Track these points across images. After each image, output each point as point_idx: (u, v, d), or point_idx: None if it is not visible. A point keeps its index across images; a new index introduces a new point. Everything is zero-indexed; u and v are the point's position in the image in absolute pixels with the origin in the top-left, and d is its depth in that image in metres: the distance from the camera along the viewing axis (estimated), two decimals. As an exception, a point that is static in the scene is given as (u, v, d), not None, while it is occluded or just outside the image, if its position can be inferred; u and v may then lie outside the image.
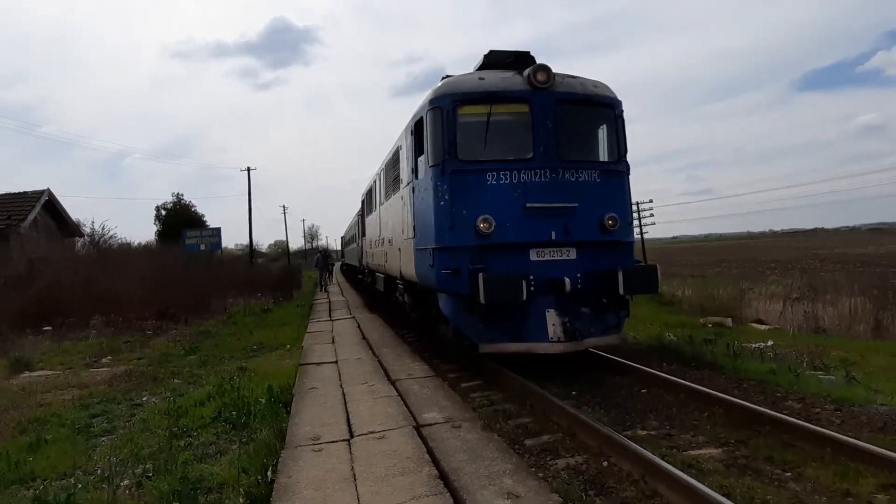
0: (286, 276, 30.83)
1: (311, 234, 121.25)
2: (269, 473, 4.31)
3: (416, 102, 8.56)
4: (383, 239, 12.32)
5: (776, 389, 6.62)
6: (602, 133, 7.89)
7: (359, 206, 20.94)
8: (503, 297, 6.37)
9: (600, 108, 7.69)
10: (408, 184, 8.61)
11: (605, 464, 4.53)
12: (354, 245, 24.67)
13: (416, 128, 8.02)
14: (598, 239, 7.26)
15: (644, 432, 5.36)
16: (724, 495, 3.58)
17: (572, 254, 7.16)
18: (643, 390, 6.69)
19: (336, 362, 8.72)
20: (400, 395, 6.44)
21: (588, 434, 5.05)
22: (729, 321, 12.82)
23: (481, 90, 7.16)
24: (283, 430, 5.33)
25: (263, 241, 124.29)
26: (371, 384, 7.07)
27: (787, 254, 53.76)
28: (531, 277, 6.65)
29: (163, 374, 9.51)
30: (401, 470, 4.19)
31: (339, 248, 62.64)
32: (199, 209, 55.09)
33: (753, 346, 9.68)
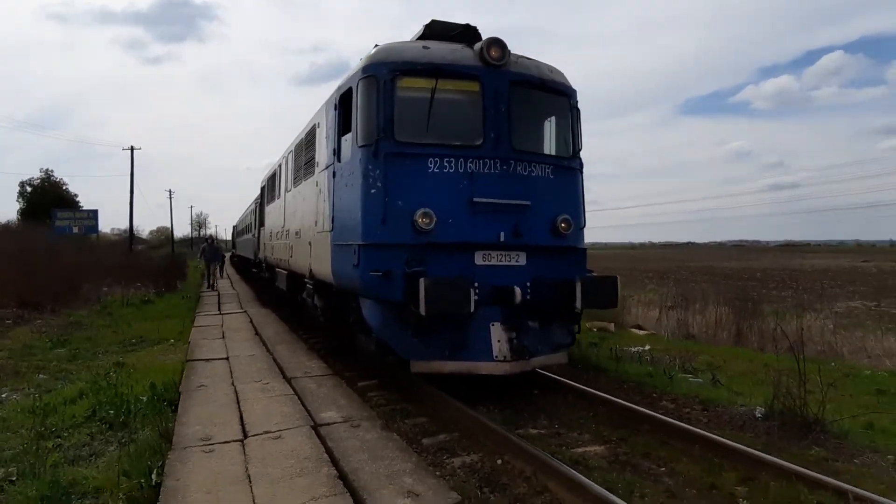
0: (170, 266, 28.92)
1: (199, 223, 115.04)
2: (153, 476, 4.06)
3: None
4: (288, 231, 11.01)
5: (652, 390, 7.18)
6: (554, 124, 7.16)
7: (256, 193, 20.04)
8: (448, 307, 5.42)
9: (555, 95, 6.91)
10: (326, 167, 7.47)
11: (499, 462, 4.70)
12: (249, 236, 23.36)
13: (343, 101, 6.93)
14: (551, 244, 6.49)
15: (535, 431, 5.61)
16: (607, 489, 3.84)
17: (522, 259, 6.30)
18: (535, 391, 6.99)
19: (227, 359, 8.34)
20: (296, 393, 6.29)
21: (483, 433, 5.20)
22: (612, 326, 13.66)
23: (426, 60, 6.15)
24: (170, 430, 5.04)
25: (145, 227, 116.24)
26: (266, 382, 6.84)
27: (664, 265, 58.34)
28: (475, 285, 5.76)
29: (25, 368, 8.63)
30: (299, 471, 4.10)
31: (230, 237, 59.87)
32: (73, 188, 50.78)
33: (633, 350, 10.39)
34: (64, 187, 48.62)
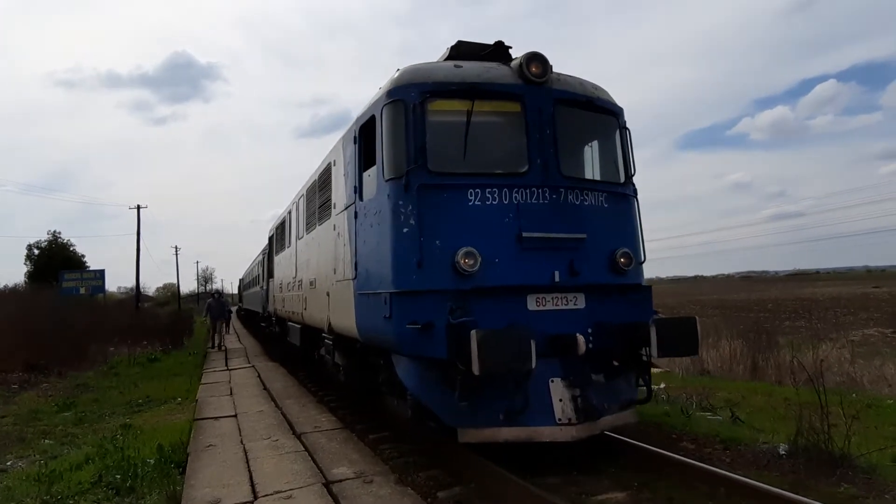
0: (176, 322, 28.88)
1: (206, 277, 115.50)
2: (162, 544, 3.92)
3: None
4: (301, 281, 10.10)
5: (671, 431, 6.98)
6: (603, 147, 6.46)
7: (263, 244, 19.96)
8: (506, 364, 4.52)
9: (604, 114, 6.25)
10: (346, 208, 6.65)
11: (518, 513, 4.54)
12: (257, 288, 22.49)
13: (364, 132, 6.26)
14: (611, 282, 5.73)
15: (554, 479, 5.44)
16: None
17: (580, 301, 5.51)
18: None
19: (235, 416, 8.21)
20: (307, 449, 6.15)
21: (499, 483, 5.04)
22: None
23: (459, 80, 5.51)
24: (178, 494, 4.92)
25: (151, 285, 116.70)
26: (275, 439, 6.70)
27: (674, 299, 57.86)
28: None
29: (31, 434, 8.51)
30: (311, 532, 3.96)
31: (236, 291, 59.91)
32: (80, 249, 51.15)
33: (648, 388, 10.18)
34: (71, 248, 49.06)
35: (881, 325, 26.69)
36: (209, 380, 12.50)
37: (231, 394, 10.28)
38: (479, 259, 5.09)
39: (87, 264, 47.79)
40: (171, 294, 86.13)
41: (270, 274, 16.02)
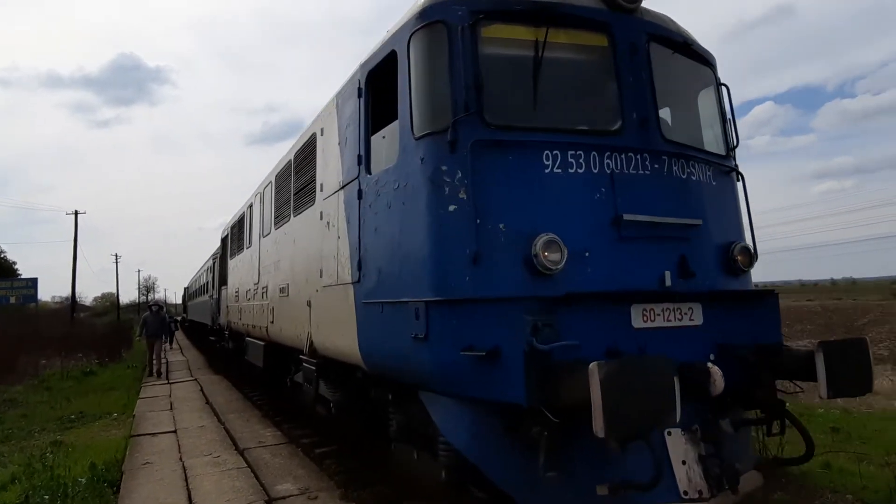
0: (114, 334, 27.71)
1: (147, 287, 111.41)
2: (90, 569, 3.73)
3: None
4: (264, 288, 8.39)
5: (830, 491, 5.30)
6: (701, 106, 4.92)
7: (211, 252, 18.84)
8: (648, 418, 2.91)
9: (700, 63, 4.79)
10: (341, 188, 5.07)
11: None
12: (205, 298, 20.04)
13: (373, 80, 4.73)
14: (727, 287, 4.26)
15: None
16: None
17: (697, 314, 3.90)
18: None
19: (175, 431, 7.91)
20: (250, 466, 5.98)
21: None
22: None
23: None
24: (110, 516, 4.68)
25: (89, 294, 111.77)
26: (216, 455, 6.49)
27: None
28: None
29: (-50, 454, 7.96)
30: (251, 552, 3.84)
31: (180, 301, 58.04)
32: (11, 256, 48.63)
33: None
34: (1, 255, 46.57)
35: (813, 336, 28.08)
36: (148, 394, 12.02)
37: (171, 408, 9.92)
38: (565, 252, 3.50)
39: (19, 272, 45.44)
40: (110, 304, 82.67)
41: (223, 281, 14.06)
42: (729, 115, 4.85)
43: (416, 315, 3.64)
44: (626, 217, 3.74)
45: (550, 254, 3.48)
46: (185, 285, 40.20)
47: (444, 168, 3.65)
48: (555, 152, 3.74)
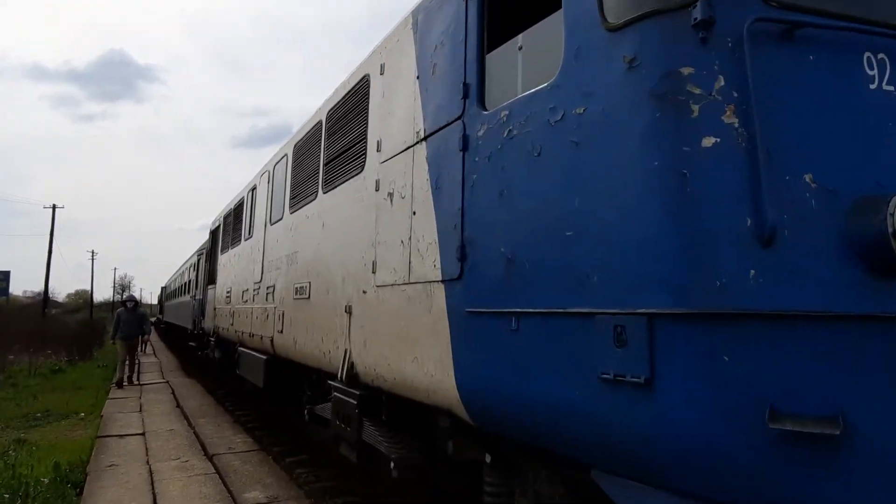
0: (86, 332, 27.22)
1: (123, 286, 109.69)
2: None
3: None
4: (270, 287, 7.02)
5: None
6: None
7: (195, 249, 17.85)
8: None
9: None
10: (418, 143, 3.66)
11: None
12: (186, 298, 18.85)
13: None
14: None
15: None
16: None
17: None
18: None
19: (143, 434, 7.79)
20: (218, 472, 5.91)
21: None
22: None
23: None
24: (72, 518, 4.60)
25: (62, 290, 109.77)
26: (184, 460, 6.41)
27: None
28: None
29: None
30: (216, 560, 3.80)
31: (155, 302, 57.24)
32: (-17, 248, 47.60)
33: None
34: (-27, 246, 45.61)
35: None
36: (118, 395, 11.82)
37: (140, 410, 9.76)
38: None
39: (-9, 264, 44.47)
40: (83, 301, 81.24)
41: (211, 279, 12.44)
42: None
43: (616, 338, 2.12)
44: None
45: None
46: (163, 284, 39.49)
47: (685, 72, 2.09)
48: (880, 56, 2.22)
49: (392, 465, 3.65)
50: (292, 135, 6.84)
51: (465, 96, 3.18)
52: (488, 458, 3.13)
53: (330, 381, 4.63)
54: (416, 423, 3.91)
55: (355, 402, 4.13)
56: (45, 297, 40.92)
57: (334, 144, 5.23)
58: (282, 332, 6.27)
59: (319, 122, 5.70)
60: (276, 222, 7.10)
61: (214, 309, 11.40)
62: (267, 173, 7.87)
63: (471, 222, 3.01)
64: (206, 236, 15.93)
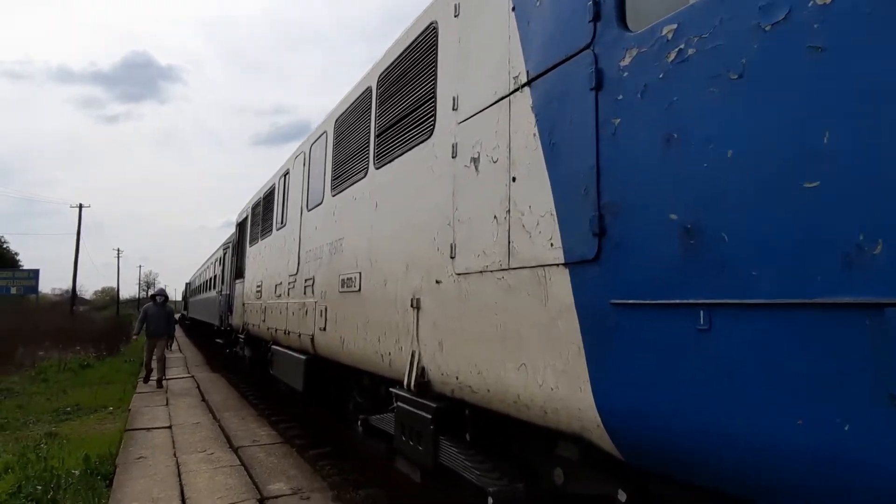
0: (113, 328, 27.75)
1: (148, 283, 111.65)
2: (81, 561, 3.73)
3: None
4: (309, 280, 6.36)
5: None
6: None
7: (217, 246, 17.74)
8: None
9: None
10: (516, 91, 2.94)
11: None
12: (212, 294, 18.23)
13: None
14: None
15: None
16: None
17: None
18: None
19: (170, 427, 7.91)
20: (243, 464, 5.98)
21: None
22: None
23: None
24: (102, 508, 4.69)
25: (89, 288, 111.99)
26: (210, 452, 6.49)
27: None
28: None
29: (-54, 441, 7.97)
30: (242, 550, 3.85)
31: (180, 299, 58.07)
32: (13, 247, 48.83)
33: None
34: (4, 245, 46.74)
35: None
36: (144, 389, 12.01)
37: (167, 404, 9.91)
38: None
39: (21, 263, 45.60)
40: (109, 298, 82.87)
41: (239, 273, 11.88)
42: None
43: None
44: None
45: None
46: (187, 280, 39.89)
47: None
48: None
49: (490, 500, 2.89)
50: (331, 110, 6.21)
51: (596, 18, 2.44)
52: (623, 497, 2.37)
53: (393, 389, 3.97)
54: (509, 444, 3.28)
55: (429, 417, 3.46)
56: (73, 295, 41.77)
57: (389, 111, 4.54)
58: (325, 329, 5.68)
59: (368, 90, 5.03)
60: (314, 208, 6.46)
61: (243, 304, 10.92)
62: (302, 155, 7.24)
63: (613, 183, 2.24)
64: (228, 234, 15.95)
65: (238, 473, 5.64)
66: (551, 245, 2.52)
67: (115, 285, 77.82)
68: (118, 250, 73.11)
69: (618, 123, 2.25)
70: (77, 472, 5.73)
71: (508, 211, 2.86)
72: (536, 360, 2.58)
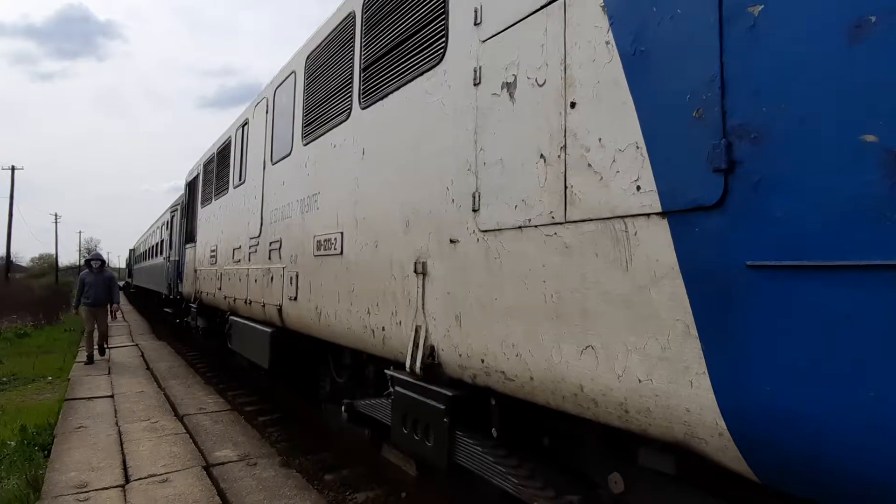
0: (51, 296, 26.65)
1: (89, 249, 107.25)
2: (16, 531, 3.65)
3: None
4: (275, 243, 5.68)
5: None
6: None
7: (157, 216, 17.92)
8: None
9: None
10: None
11: (403, 495, 4.61)
12: (159, 260, 17.12)
13: None
14: None
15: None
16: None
17: None
18: None
19: (112, 396, 7.72)
20: (188, 431, 5.91)
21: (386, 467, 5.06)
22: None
23: None
24: (39, 478, 4.58)
25: (25, 255, 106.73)
26: (154, 420, 6.38)
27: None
28: None
29: None
30: (186, 516, 3.83)
31: (123, 266, 56.08)
32: (-62, 210, 45.98)
33: None
34: (-72, 209, 43.96)
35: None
36: (85, 358, 11.64)
37: (109, 373, 9.65)
38: None
39: (-52, 227, 42.96)
40: (48, 265, 79.29)
41: (190, 238, 10.94)
42: None
43: None
44: None
45: None
46: (132, 247, 38.45)
47: None
48: None
49: None
50: (300, 47, 5.34)
51: None
52: None
53: (389, 371, 3.36)
54: (556, 445, 2.71)
55: (443, 408, 2.81)
56: (7, 261, 39.84)
57: (380, 38, 3.71)
58: (295, 299, 4.97)
59: (351, 16, 4.17)
60: (280, 160, 5.62)
61: (195, 271, 9.93)
62: (265, 101, 6.30)
63: (749, 98, 1.60)
64: (174, 198, 15.38)
65: (183, 441, 5.57)
66: (637, 189, 1.89)
67: (53, 252, 74.40)
68: (56, 215, 69.60)
69: (759, 12, 1.59)
70: (13, 444, 5.58)
71: (563, 147, 2.21)
72: (613, 343, 1.96)
